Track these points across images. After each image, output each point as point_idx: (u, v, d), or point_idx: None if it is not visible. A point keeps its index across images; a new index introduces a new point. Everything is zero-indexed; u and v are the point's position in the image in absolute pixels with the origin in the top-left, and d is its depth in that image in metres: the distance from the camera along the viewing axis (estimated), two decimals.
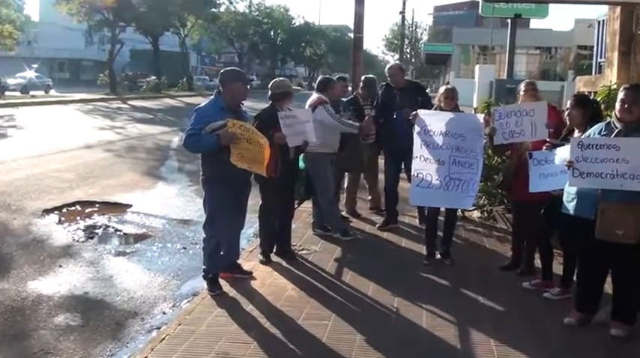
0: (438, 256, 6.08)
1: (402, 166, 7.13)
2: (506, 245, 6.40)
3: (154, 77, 43.56)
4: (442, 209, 6.14)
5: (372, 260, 6.13)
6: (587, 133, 4.49)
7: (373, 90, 7.69)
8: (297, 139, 5.69)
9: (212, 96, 5.13)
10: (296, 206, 7.23)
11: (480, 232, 7.29)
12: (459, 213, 7.53)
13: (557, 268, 5.26)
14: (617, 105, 4.23)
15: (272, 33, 69.63)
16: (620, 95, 4.24)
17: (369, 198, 8.22)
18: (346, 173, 7.79)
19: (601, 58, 10.23)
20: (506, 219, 7.52)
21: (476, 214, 7.96)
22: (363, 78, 8.03)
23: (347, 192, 7.98)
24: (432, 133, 5.68)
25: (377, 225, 7.30)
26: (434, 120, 5.72)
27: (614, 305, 4.38)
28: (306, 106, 6.50)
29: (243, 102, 5.24)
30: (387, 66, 7.45)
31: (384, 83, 7.26)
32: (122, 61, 49.52)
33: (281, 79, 6.18)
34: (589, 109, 4.76)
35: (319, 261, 6.02)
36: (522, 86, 5.63)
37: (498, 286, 5.41)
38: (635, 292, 4.32)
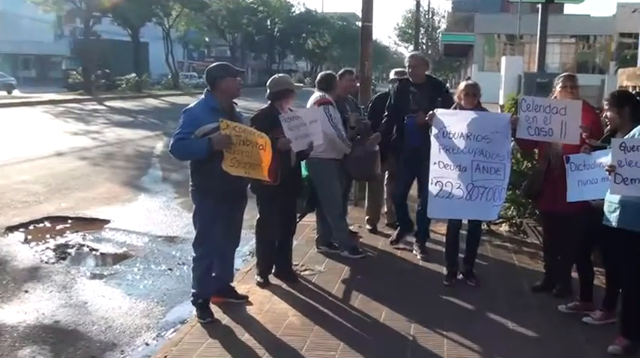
0: (460, 276, 6.08)
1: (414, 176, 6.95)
2: (539, 262, 6.40)
3: (133, 75, 43.66)
4: (464, 221, 6.14)
5: (385, 281, 6.12)
6: (631, 133, 4.50)
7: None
8: (302, 143, 5.72)
9: (202, 96, 5.16)
10: (298, 220, 7.27)
11: (508, 248, 7.28)
12: (484, 226, 7.55)
13: (599, 288, 5.25)
14: None
15: (269, 22, 69.93)
16: None
17: (384, 210, 8.20)
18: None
19: None
20: (538, 232, 7.51)
21: (503, 227, 7.96)
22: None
23: (369, 202, 7.98)
24: (451, 136, 5.69)
25: (390, 239, 7.32)
26: (453, 121, 5.74)
27: None
28: (308, 106, 6.52)
29: (236, 102, 5.26)
30: (408, 55, 7.23)
31: (398, 78, 7.16)
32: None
33: (280, 75, 6.21)
34: (629, 108, 4.75)
35: (324, 283, 6.02)
36: (560, 81, 5.59)
37: (530, 310, 5.40)
38: None
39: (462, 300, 5.61)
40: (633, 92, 6.75)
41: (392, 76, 7.74)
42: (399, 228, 7.34)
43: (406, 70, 6.90)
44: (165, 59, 49.16)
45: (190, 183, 5.20)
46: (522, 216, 7.77)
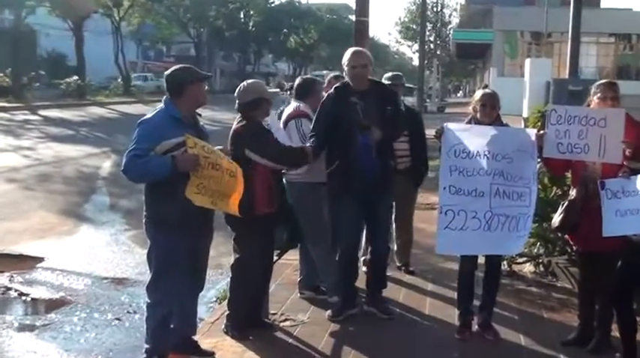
0: (476, 327, 6.09)
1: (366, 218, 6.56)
2: (572, 311, 6.42)
3: (75, 78, 43.57)
4: (480, 260, 6.17)
5: (383, 334, 6.12)
6: None
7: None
8: None
9: (160, 105, 5.20)
10: (276, 258, 7.28)
11: (533, 293, 7.31)
12: (504, 266, 7.60)
13: None
14: None
15: (242, 15, 70.28)
16: None
17: (394, 248, 8.19)
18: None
19: None
20: (570, 274, 7.55)
21: (528, 268, 8.00)
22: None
23: (398, 238, 8.02)
24: (465, 155, 5.76)
25: (327, 314, 6.52)
26: (468, 137, 5.81)
27: None
28: (282, 120, 6.65)
29: (200, 113, 5.32)
30: (350, 52, 6.50)
31: (336, 84, 6.56)
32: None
33: (251, 81, 6.24)
34: None
35: (308, 337, 6.01)
36: (598, 90, 5.65)
37: None
38: None
39: None
40: None
41: (384, 80, 7.75)
42: (342, 298, 6.55)
43: (345, 73, 6.50)
44: (114, 59, 49.11)
45: (144, 213, 5.21)
46: (551, 254, 7.82)
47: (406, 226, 8.03)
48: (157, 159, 4.89)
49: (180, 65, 5.46)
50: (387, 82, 7.58)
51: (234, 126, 5.91)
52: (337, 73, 7.57)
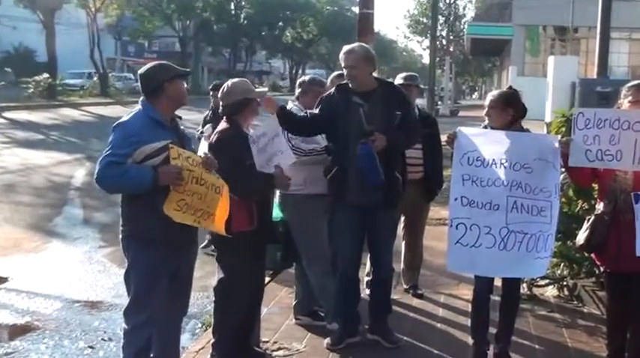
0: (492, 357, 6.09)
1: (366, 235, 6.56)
2: (600, 340, 6.44)
3: (45, 76, 43.54)
4: (497, 282, 6.18)
5: None
6: None
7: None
8: (270, 166, 5.85)
9: (138, 107, 5.20)
10: (268, 279, 7.30)
11: (557, 320, 7.31)
12: (524, 289, 7.59)
13: None
14: None
15: (232, 7, 70.42)
16: None
17: (402, 266, 8.19)
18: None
19: None
20: (598, 299, 7.57)
21: (550, 292, 8.00)
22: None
23: (406, 257, 8.03)
24: (480, 163, 5.77)
25: (325, 342, 6.49)
26: (483, 143, 5.82)
27: None
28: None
29: (180, 116, 5.33)
30: (343, 50, 6.50)
31: (339, 83, 6.61)
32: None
33: (235, 80, 6.24)
34: None
35: None
36: (629, 92, 5.67)
37: None
38: None
39: None
40: None
41: (397, 81, 7.77)
42: (342, 324, 6.54)
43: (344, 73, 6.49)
44: (89, 54, 49.12)
45: (122, 227, 5.20)
46: (577, 276, 7.83)
47: (416, 243, 8.04)
48: (136, 170, 4.89)
49: (155, 62, 5.46)
50: (401, 82, 7.62)
51: (216, 130, 5.96)
52: (340, 72, 7.55)
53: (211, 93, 9.48)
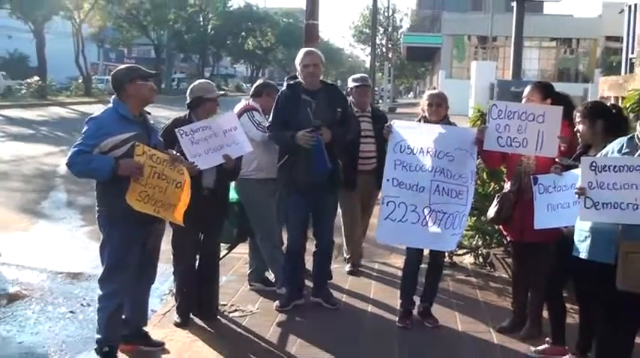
0: (417, 316, 6.17)
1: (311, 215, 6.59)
2: (507, 299, 6.53)
3: (36, 78, 42.92)
4: (425, 253, 6.25)
5: (329, 323, 6.17)
6: (603, 151, 4.67)
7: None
8: (215, 157, 5.76)
9: (110, 103, 5.18)
10: (227, 252, 7.29)
11: (472, 283, 7.43)
12: (446, 258, 7.68)
13: (573, 329, 5.39)
14: None
15: (201, 18, 69.84)
16: None
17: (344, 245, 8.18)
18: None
19: (632, 52, 10.66)
20: (507, 265, 7.68)
21: (468, 259, 8.12)
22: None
23: (346, 236, 7.92)
24: (410, 151, 5.84)
25: (275, 305, 6.52)
26: (414, 134, 5.90)
27: None
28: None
29: (149, 112, 5.30)
30: (303, 51, 6.53)
31: (291, 83, 6.52)
32: None
33: (201, 81, 6.32)
34: (604, 121, 4.95)
35: (257, 326, 6.03)
36: (528, 90, 5.81)
37: (496, 355, 5.52)
38: None
39: (417, 345, 5.71)
40: (612, 104, 6.97)
41: (350, 83, 7.73)
42: (289, 289, 6.58)
43: (298, 73, 6.44)
44: (75, 60, 48.47)
45: (97, 207, 5.19)
46: (489, 246, 7.94)
47: (366, 221, 8.07)
48: (99, 159, 4.90)
49: (126, 64, 5.49)
50: (357, 84, 7.56)
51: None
52: (293, 75, 7.53)
53: None
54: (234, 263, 7.68)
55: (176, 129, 5.62)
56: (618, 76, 11.36)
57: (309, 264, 6.85)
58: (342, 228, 7.75)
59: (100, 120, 5.04)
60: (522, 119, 5.51)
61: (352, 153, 7.20)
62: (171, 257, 6.07)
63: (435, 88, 6.37)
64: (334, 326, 6.08)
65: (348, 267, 7.74)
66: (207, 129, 5.74)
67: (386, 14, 65.50)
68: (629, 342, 4.56)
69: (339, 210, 7.26)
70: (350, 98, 7.44)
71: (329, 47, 79.37)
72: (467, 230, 7.75)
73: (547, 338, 5.45)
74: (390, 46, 64.32)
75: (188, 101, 6.00)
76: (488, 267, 7.90)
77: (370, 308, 6.63)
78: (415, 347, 5.67)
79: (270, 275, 7.06)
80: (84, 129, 4.99)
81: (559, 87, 6.06)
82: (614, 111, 5.24)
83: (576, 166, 4.93)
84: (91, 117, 5.09)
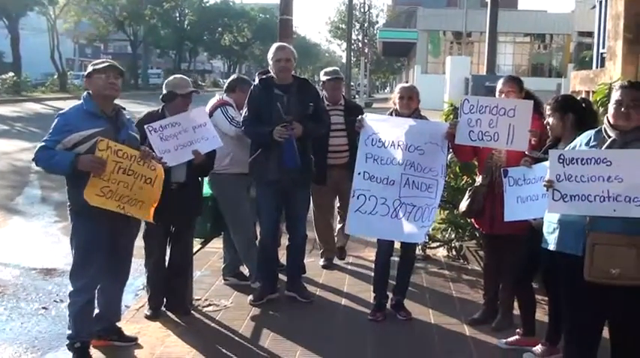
0: (390, 308, 6.19)
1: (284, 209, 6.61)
2: (480, 292, 6.57)
3: (11, 74, 42.49)
4: (397, 245, 6.26)
5: (301, 317, 6.17)
6: (571, 144, 4.69)
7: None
8: (185, 153, 5.73)
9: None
10: (200, 246, 7.27)
11: (445, 276, 7.47)
12: (419, 251, 7.72)
13: (544, 320, 5.45)
14: (611, 109, 4.40)
15: (177, 14, 69.50)
16: (616, 95, 4.41)
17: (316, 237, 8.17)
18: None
19: (602, 47, 10.75)
20: (479, 258, 7.72)
21: (442, 252, 8.15)
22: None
23: (317, 230, 7.93)
24: (381, 144, 5.84)
25: (249, 299, 6.51)
26: (385, 128, 5.90)
27: None
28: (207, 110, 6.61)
29: (123, 107, 5.26)
30: (275, 46, 6.56)
31: (260, 77, 6.52)
32: None
33: (177, 76, 6.29)
34: (574, 115, 4.99)
35: (231, 321, 6.02)
36: (501, 84, 5.83)
37: (467, 347, 5.56)
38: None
39: (389, 337, 5.72)
40: (582, 98, 7.02)
41: (322, 77, 7.72)
42: (263, 283, 6.56)
43: (271, 67, 6.43)
44: (50, 56, 48.04)
45: (68, 203, 5.16)
46: (462, 239, 7.97)
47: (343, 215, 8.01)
48: (60, 155, 4.86)
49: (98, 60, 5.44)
50: (328, 77, 7.52)
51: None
52: (265, 69, 7.50)
53: None
54: (209, 257, 7.67)
55: (145, 126, 5.56)
56: (588, 70, 11.43)
57: (283, 258, 6.85)
58: (314, 221, 7.76)
59: (67, 116, 5.02)
60: (494, 113, 5.54)
61: (322, 147, 7.18)
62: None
63: (407, 82, 6.34)
64: (308, 320, 6.08)
65: (322, 261, 7.75)
66: (176, 125, 5.70)
67: (362, 10, 65.63)
68: (597, 333, 4.59)
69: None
70: (322, 92, 7.43)
71: (306, 43, 79.34)
72: (440, 223, 7.82)
73: (518, 330, 5.50)
74: (366, 41, 64.36)
75: (163, 95, 5.98)
76: (462, 260, 7.94)
77: (344, 301, 6.64)
78: (387, 340, 5.68)
79: (245, 270, 7.05)
80: (52, 125, 4.98)
81: (533, 82, 6.13)
82: (583, 105, 5.28)
83: (546, 159, 4.94)
84: (59, 113, 5.09)
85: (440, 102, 21.80)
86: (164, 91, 5.98)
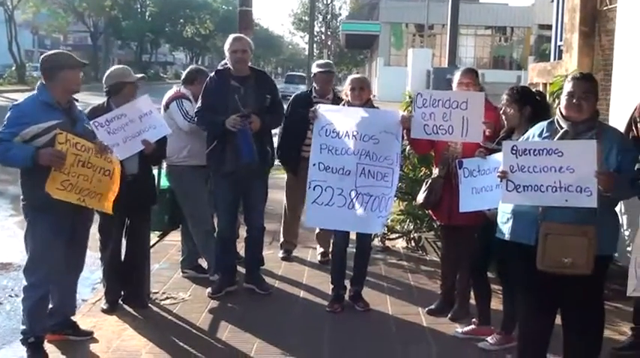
0: (348, 299, 6.21)
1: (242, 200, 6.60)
2: (438, 282, 6.60)
3: None
4: (352, 236, 6.29)
5: (260, 308, 6.19)
6: (524, 136, 4.75)
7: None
8: (134, 144, 5.66)
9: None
10: (158, 239, 7.23)
11: (404, 267, 7.52)
12: (379, 242, 7.76)
13: (499, 308, 5.51)
14: (564, 100, 4.48)
15: (138, 5, 68.83)
16: (568, 87, 4.48)
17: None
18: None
19: (560, 40, 10.86)
20: (438, 248, 7.77)
21: (401, 243, 8.20)
22: None
23: (284, 223, 7.90)
24: (335, 134, 5.86)
25: (207, 292, 6.47)
26: (338, 118, 5.92)
27: (565, 355, 4.62)
28: (163, 103, 6.60)
29: (76, 98, 5.20)
30: (232, 37, 6.47)
31: (221, 69, 6.49)
32: None
33: (118, 66, 6.22)
34: (529, 106, 5.05)
35: (188, 313, 6.01)
36: (458, 75, 5.89)
37: (424, 336, 5.61)
38: (593, 337, 4.55)
39: (347, 328, 5.74)
40: (537, 90, 7.10)
41: (314, 69, 7.59)
42: (221, 276, 6.53)
43: (227, 59, 6.40)
44: (7, 47, 47.33)
45: (22, 196, 5.09)
46: (420, 230, 8.00)
47: None
48: (18, 148, 4.76)
49: (56, 51, 5.37)
50: (321, 70, 7.40)
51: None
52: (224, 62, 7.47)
53: None
54: (168, 250, 7.63)
55: (91, 122, 5.42)
56: (546, 63, 11.56)
57: (242, 250, 6.84)
58: (283, 213, 7.79)
59: (22, 107, 4.94)
60: (447, 106, 5.59)
61: (298, 138, 7.15)
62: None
63: (357, 73, 6.36)
64: (266, 312, 6.09)
65: (281, 253, 7.75)
66: (122, 116, 5.61)
67: (325, 2, 65.61)
68: (549, 322, 4.67)
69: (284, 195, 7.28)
70: (313, 83, 7.49)
71: (269, 35, 79.13)
72: (399, 214, 7.87)
73: (473, 319, 5.56)
74: (329, 33, 64.45)
75: (106, 88, 5.86)
76: (420, 251, 7.98)
77: (302, 293, 6.65)
78: (345, 331, 5.70)
79: (203, 262, 7.02)
80: (6, 117, 4.88)
81: (494, 74, 6.23)
82: (538, 97, 5.35)
83: (500, 150, 5.00)
84: (13, 105, 5.00)
85: (402, 94, 21.91)
86: (107, 84, 5.84)
